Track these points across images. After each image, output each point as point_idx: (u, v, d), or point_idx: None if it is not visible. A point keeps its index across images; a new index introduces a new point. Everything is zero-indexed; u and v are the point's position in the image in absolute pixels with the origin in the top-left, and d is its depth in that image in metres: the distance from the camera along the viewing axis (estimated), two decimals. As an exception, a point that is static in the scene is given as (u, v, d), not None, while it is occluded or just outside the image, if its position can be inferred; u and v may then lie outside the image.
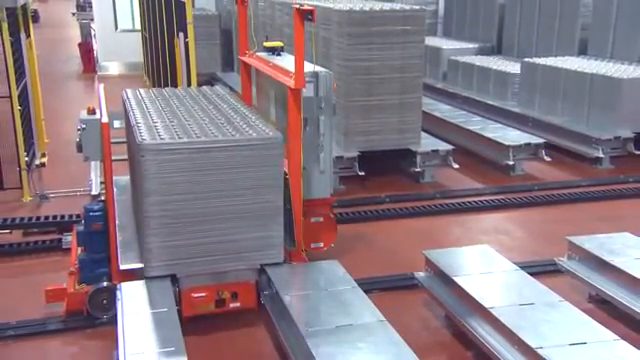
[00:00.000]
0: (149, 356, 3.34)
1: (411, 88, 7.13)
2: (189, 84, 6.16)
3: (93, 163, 6.29)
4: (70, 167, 7.66)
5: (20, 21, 7.36)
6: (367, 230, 6.04)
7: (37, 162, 7.49)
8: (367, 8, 6.99)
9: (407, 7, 7.27)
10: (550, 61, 9.06)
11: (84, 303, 4.31)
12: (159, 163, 3.97)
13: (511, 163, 7.57)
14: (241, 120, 4.62)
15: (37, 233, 5.88)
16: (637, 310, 4.10)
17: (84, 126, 4.32)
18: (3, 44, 6.36)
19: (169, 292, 3.99)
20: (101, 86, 5.28)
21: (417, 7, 7.37)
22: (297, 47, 4.37)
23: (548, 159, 7.61)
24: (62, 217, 5.98)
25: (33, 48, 8.10)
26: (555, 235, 5.52)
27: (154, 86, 11.66)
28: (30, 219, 6.04)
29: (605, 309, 4.46)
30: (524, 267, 4.56)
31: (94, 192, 6.51)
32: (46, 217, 6.02)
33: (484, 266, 4.45)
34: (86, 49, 15.40)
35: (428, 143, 7.46)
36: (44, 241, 5.68)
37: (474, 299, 3.96)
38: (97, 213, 4.38)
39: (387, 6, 7.33)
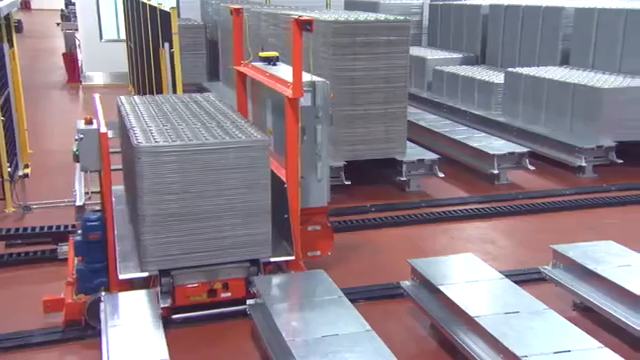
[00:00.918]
0: (133, 369, 3.30)
1: (396, 98, 7.17)
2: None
3: (78, 174, 6.25)
4: (54, 178, 7.60)
5: (3, 31, 7.30)
6: (353, 239, 6.05)
7: (20, 173, 7.41)
8: (352, 18, 7.03)
9: (392, 17, 7.31)
10: (533, 71, 9.17)
11: (82, 313, 4.33)
12: (154, 164, 4.18)
13: (496, 172, 7.63)
14: (231, 124, 4.78)
15: (21, 245, 5.81)
16: (620, 318, 4.12)
17: (82, 136, 4.40)
18: (-14, 54, 6.30)
19: (154, 303, 3.96)
20: (97, 96, 5.31)
21: (401, 17, 7.42)
22: (295, 57, 4.46)
23: (532, 168, 7.68)
24: (42, 229, 5.92)
25: (16, 58, 8.04)
26: (539, 243, 5.56)
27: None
28: (16, 229, 5.98)
29: (589, 317, 4.49)
30: (509, 275, 4.59)
31: (78, 203, 6.45)
32: (33, 228, 5.97)
33: (469, 275, 4.47)
34: (70, 59, 15.32)
35: (414, 152, 7.50)
36: (35, 252, 5.63)
37: (459, 308, 3.97)
38: (95, 223, 4.44)
39: (372, 16, 7.37)
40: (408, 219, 6.61)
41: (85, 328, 4.34)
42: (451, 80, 10.76)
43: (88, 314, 4.31)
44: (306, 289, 4.25)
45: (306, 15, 7.38)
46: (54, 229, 5.93)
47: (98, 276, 4.44)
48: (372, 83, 7.03)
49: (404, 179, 7.34)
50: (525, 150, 7.78)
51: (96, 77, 15.09)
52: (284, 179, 4.77)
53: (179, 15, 13.77)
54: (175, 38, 6.05)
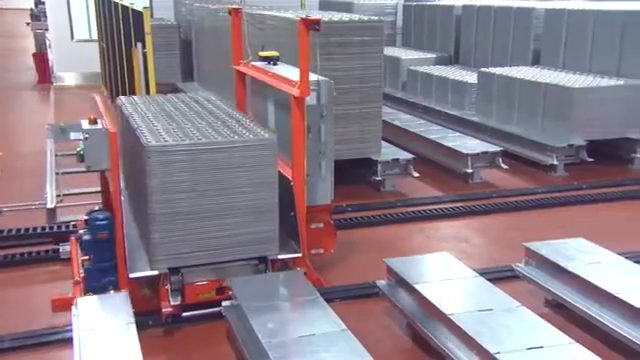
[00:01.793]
0: (107, 373, 3.26)
1: (371, 98, 7.20)
2: (148, 95, 6.10)
3: (49, 176, 6.16)
4: (24, 180, 7.46)
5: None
6: (329, 240, 6.05)
7: (-11, 175, 7.27)
8: (326, 18, 7.04)
9: (365, 18, 7.34)
10: (505, 71, 9.29)
11: None
12: (164, 163, 4.24)
13: (470, 171, 7.71)
14: (236, 123, 4.84)
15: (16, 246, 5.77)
16: (591, 314, 4.20)
17: (87, 136, 4.44)
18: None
19: (127, 307, 3.91)
20: (98, 97, 5.32)
21: (375, 18, 7.45)
22: (302, 56, 4.52)
23: (505, 167, 7.78)
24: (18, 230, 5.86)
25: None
26: (513, 241, 5.63)
27: (112, 97, 11.49)
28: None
29: (561, 313, 4.56)
30: (483, 273, 4.64)
31: (50, 205, 6.35)
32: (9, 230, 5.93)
33: (444, 273, 4.51)
34: (41, 59, 15.05)
35: (389, 152, 7.54)
36: (33, 252, 5.63)
37: (434, 306, 4.01)
38: (104, 222, 4.46)
39: (346, 17, 7.39)
40: (384, 219, 6.65)
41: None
42: (425, 80, 10.85)
43: None
44: (282, 290, 4.25)
45: (280, 15, 7.39)
46: (25, 231, 5.86)
47: (106, 275, 4.47)
48: (347, 83, 7.04)
49: (379, 179, 7.37)
50: (498, 149, 7.87)
51: (67, 78, 14.86)
52: (288, 177, 4.81)
53: (152, 15, 13.62)
54: (148, 38, 5.99)
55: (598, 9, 9.00)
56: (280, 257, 4.66)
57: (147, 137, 4.36)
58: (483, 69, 9.65)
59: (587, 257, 4.64)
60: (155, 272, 4.35)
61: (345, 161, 7.35)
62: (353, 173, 7.62)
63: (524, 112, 8.67)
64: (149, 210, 4.28)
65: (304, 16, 4.55)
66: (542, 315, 3.99)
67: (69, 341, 3.87)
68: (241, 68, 5.75)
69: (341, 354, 3.46)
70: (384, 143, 7.61)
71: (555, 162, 7.96)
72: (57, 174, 5.48)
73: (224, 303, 4.29)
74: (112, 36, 10.37)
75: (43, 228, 5.92)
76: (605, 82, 8.24)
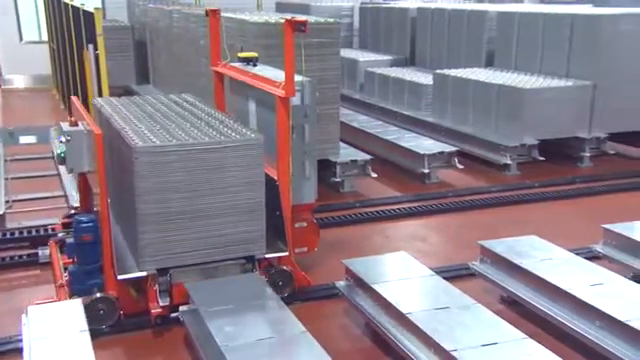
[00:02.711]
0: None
1: (329, 99, 7.22)
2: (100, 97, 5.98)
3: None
4: (-28, 186, 7.19)
5: None
6: (288, 242, 6.04)
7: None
8: (282, 20, 7.03)
9: (322, 20, 7.36)
10: (460, 72, 9.46)
11: None
12: (152, 164, 4.24)
13: (426, 171, 7.82)
14: (220, 124, 4.87)
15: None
16: (543, 309, 4.32)
17: (69, 138, 4.42)
18: None
19: (80, 315, 3.82)
20: (74, 99, 5.23)
21: (332, 20, 7.48)
22: (287, 57, 4.56)
23: (461, 167, 7.92)
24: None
25: None
26: (469, 240, 5.74)
27: (64, 100, 11.21)
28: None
29: (515, 309, 4.67)
30: (440, 272, 4.72)
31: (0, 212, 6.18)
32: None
33: (402, 273, 4.56)
34: (-12, 61, 14.57)
35: (347, 153, 7.58)
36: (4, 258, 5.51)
37: (392, 305, 4.05)
38: (88, 224, 4.44)
39: (302, 19, 7.39)
40: (343, 219, 6.68)
41: None
42: (382, 81, 10.96)
43: (86, 315, 4.22)
44: (241, 293, 4.22)
45: (236, 17, 7.34)
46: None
47: (91, 277, 4.46)
48: (304, 85, 7.04)
49: (338, 180, 7.40)
50: (454, 149, 8.01)
51: (17, 80, 14.42)
52: (272, 177, 4.83)
53: (105, 16, 13.35)
54: (100, 39, 5.87)
55: (547, 12, 9.26)
56: (267, 256, 4.71)
57: (133, 138, 4.36)
58: (438, 71, 9.81)
59: (539, 254, 4.77)
60: (144, 273, 4.35)
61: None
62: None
63: (478, 113, 8.85)
64: (137, 211, 4.28)
65: (289, 18, 4.63)
66: (497, 311, 4.08)
67: (20, 351, 3.77)
68: (220, 69, 5.78)
69: (300, 356, 3.46)
70: (342, 144, 7.65)
71: (508, 161, 8.15)
72: (6, 179, 5.33)
73: (181, 308, 4.24)
74: (63, 38, 10.11)
75: (21, 232, 5.81)
76: (555, 83, 8.48)
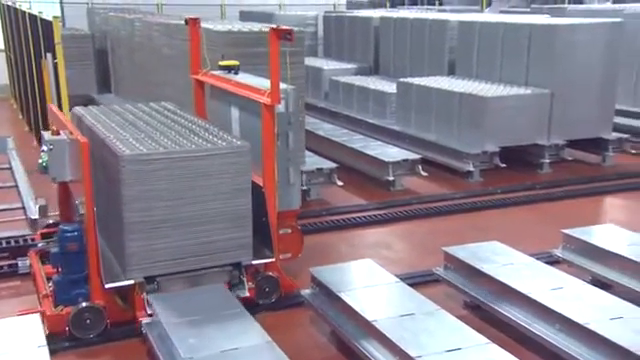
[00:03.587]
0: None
1: (294, 108, 7.23)
2: (60, 107, 5.86)
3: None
4: None
5: None
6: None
7: None
8: (246, 29, 7.04)
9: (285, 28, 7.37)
10: (423, 81, 9.59)
11: (66, 324, 4.33)
12: (139, 172, 4.25)
13: (391, 179, 7.89)
14: (205, 131, 4.89)
15: None
16: (505, 314, 4.40)
17: (51, 147, 4.40)
18: None
19: (39, 329, 3.73)
20: (53, 107, 5.12)
21: (296, 29, 7.50)
22: (273, 65, 4.60)
23: (425, 174, 8.02)
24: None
25: None
26: (433, 246, 5.81)
27: (22, 110, 10.96)
28: None
29: (478, 314, 4.74)
30: (405, 279, 4.76)
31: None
32: None
33: (367, 280, 4.59)
34: (-57, 70, 14.13)
35: (313, 162, 7.60)
36: None
37: (358, 313, 4.07)
38: (74, 233, 4.44)
39: (265, 27, 7.41)
40: (309, 227, 6.67)
41: (71, 339, 4.35)
42: (347, 90, 11.03)
43: (73, 325, 4.32)
44: (205, 304, 4.18)
45: (201, 26, 7.30)
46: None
47: (77, 287, 4.46)
48: (269, 94, 7.04)
49: (305, 188, 7.40)
50: (418, 157, 8.10)
51: (-28, 90, 14.03)
52: (256, 183, 4.84)
53: (64, 24, 13.12)
54: (58, 48, 5.77)
55: (507, 22, 9.48)
56: (254, 262, 4.72)
57: (120, 147, 4.35)
58: (402, 79, 9.93)
59: (501, 259, 4.86)
60: (131, 281, 4.33)
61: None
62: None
63: (441, 121, 8.99)
64: (123, 219, 4.27)
65: (275, 26, 4.71)
66: (461, 317, 4.14)
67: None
68: (200, 77, 5.78)
69: (266, 366, 3.44)
70: (308, 152, 7.67)
71: (471, 168, 8.29)
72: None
73: (144, 320, 4.18)
74: (21, 46, 9.90)
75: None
76: (514, 91, 8.67)
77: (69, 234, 4.45)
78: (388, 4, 20.55)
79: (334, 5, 17.52)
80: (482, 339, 3.72)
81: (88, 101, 11.44)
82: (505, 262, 4.80)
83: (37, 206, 5.91)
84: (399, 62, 11.39)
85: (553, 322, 4.06)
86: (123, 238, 4.30)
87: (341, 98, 11.15)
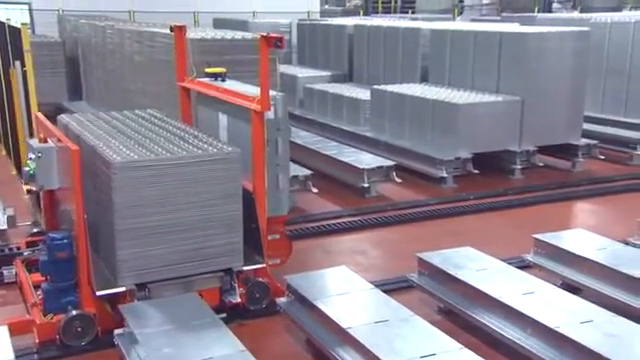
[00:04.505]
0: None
1: (268, 116, 7.23)
2: (29, 116, 5.77)
3: None
4: None
5: None
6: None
7: None
8: (218, 37, 7.03)
9: (258, 36, 7.37)
10: (396, 88, 9.67)
11: (56, 333, 4.31)
12: (130, 179, 4.25)
13: (366, 185, 7.93)
14: (194, 138, 4.90)
15: None
16: (478, 319, 4.44)
17: (39, 154, 4.40)
18: None
19: (6, 342, 3.65)
20: (39, 115, 5.29)
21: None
22: (263, 72, 4.62)
23: (399, 180, 8.08)
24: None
25: None
26: (408, 252, 5.83)
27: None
28: None
29: (452, 319, 4.78)
30: (379, 285, 4.78)
31: None
32: None
33: (342, 287, 4.60)
34: None
35: (287, 169, 7.59)
36: None
37: (332, 321, 4.07)
38: (63, 241, 4.43)
39: (238, 35, 7.41)
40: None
41: (62, 347, 4.33)
42: (321, 97, 11.07)
43: (64, 333, 4.29)
44: (178, 314, 4.13)
45: (170, 33, 7.26)
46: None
47: (66, 295, 4.45)
48: (243, 101, 7.03)
49: (279, 195, 7.40)
50: (392, 164, 8.16)
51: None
52: (246, 189, 4.84)
53: (33, 31, 12.92)
54: (28, 56, 5.68)
55: (478, 30, 9.62)
56: (245, 268, 4.74)
57: (110, 154, 4.35)
58: (375, 86, 10.00)
59: (474, 265, 4.91)
60: (123, 289, 4.32)
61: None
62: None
63: (415, 127, 9.06)
64: (114, 226, 4.26)
65: (265, 34, 4.73)
66: (435, 322, 4.18)
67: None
68: (186, 84, 5.79)
69: (240, 376, 3.42)
70: (282, 160, 7.65)
71: (444, 174, 8.37)
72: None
73: (116, 331, 4.12)
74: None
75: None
76: (486, 98, 8.80)
77: (58, 242, 4.43)
78: (361, 12, 20.71)
79: (308, 13, 17.61)
80: (456, 344, 3.75)
81: (59, 109, 11.27)
82: (478, 267, 4.85)
83: (5, 216, 5.81)
84: (373, 69, 11.47)
85: (525, 326, 4.12)
86: (114, 245, 4.30)
87: (315, 105, 11.18)
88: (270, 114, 4.96)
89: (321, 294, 4.46)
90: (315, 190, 7.53)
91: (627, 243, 5.63)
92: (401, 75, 10.68)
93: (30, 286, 4.84)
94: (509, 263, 5.10)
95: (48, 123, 5.13)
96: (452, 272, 4.77)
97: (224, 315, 4.58)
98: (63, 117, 5.72)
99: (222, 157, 4.53)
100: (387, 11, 21.72)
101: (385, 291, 4.61)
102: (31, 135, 5.84)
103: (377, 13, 22.53)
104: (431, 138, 8.79)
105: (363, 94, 10.39)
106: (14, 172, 7.84)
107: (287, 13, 15.19)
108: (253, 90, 4.96)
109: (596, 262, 4.93)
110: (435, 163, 8.45)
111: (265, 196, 4.90)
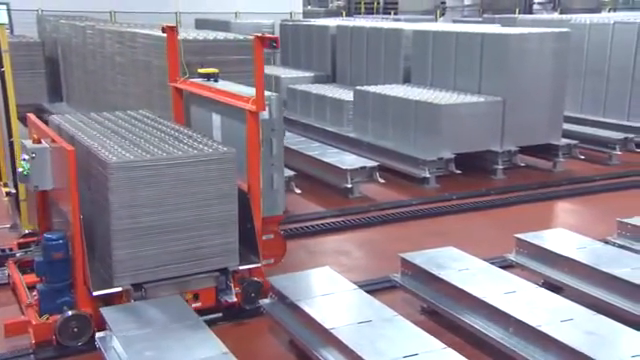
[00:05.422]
0: None
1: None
2: (8, 118, 5.69)
3: None
4: None
5: None
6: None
7: None
8: (201, 37, 6.99)
9: (241, 37, 7.35)
10: (379, 89, 9.69)
11: (52, 333, 4.30)
12: (127, 179, 4.25)
13: (349, 186, 7.93)
14: (188, 138, 4.90)
15: None
16: (461, 318, 4.47)
17: (34, 155, 4.38)
18: None
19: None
20: (32, 116, 5.29)
21: (251, 37, 7.49)
22: (258, 73, 4.61)
23: (382, 181, 8.10)
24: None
25: None
26: (391, 252, 5.85)
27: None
28: None
29: (435, 319, 4.80)
30: (363, 286, 4.78)
31: None
32: None
33: (325, 288, 4.59)
34: None
35: (270, 170, 7.57)
36: None
37: (316, 321, 4.06)
38: (58, 242, 4.42)
39: (221, 35, 7.38)
40: (267, 236, 6.65)
41: (58, 348, 4.32)
42: (304, 98, 11.06)
43: (60, 334, 4.28)
44: (160, 316, 4.10)
45: (154, 34, 7.21)
46: None
47: (61, 295, 4.46)
48: (225, 102, 7.00)
49: (262, 196, 7.37)
50: (375, 164, 8.17)
51: None
52: (241, 189, 4.83)
53: (12, 31, 12.73)
54: (6, 56, 5.59)
55: (460, 31, 9.68)
56: (241, 268, 4.74)
57: (106, 154, 4.34)
58: (358, 87, 10.01)
59: (457, 265, 4.93)
60: (119, 289, 4.31)
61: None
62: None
63: (397, 128, 9.09)
64: (110, 227, 4.26)
65: (260, 34, 4.71)
66: (418, 322, 4.19)
67: None
68: (179, 85, 5.77)
69: (223, 378, 3.39)
70: (265, 161, 7.64)
71: (427, 175, 8.40)
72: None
73: (98, 334, 4.08)
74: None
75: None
76: (468, 99, 8.85)
77: (54, 242, 4.42)
78: (344, 13, 20.75)
79: (291, 14, 17.60)
80: (439, 344, 3.76)
81: (39, 110, 11.13)
82: (461, 267, 4.88)
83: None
84: (356, 70, 11.48)
85: (507, 325, 4.15)
86: (110, 245, 4.29)
87: (299, 106, 11.17)
88: (265, 114, 4.96)
89: (304, 295, 4.45)
90: (298, 191, 7.52)
91: (607, 242, 5.69)
92: (384, 76, 10.71)
93: (24, 287, 4.81)
94: (491, 263, 5.13)
95: (41, 124, 5.09)
96: (435, 272, 4.79)
97: (220, 314, 4.66)
98: (55, 118, 5.68)
99: (218, 157, 4.53)
100: (370, 12, 21.79)
101: (368, 291, 4.61)
102: (10, 137, 5.74)
103: (360, 14, 22.59)
104: (414, 139, 8.82)
105: (346, 95, 10.40)
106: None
107: (270, 14, 15.18)
108: (247, 90, 4.95)
109: (577, 261, 4.98)
110: (418, 163, 8.48)
111: (260, 196, 4.91)
